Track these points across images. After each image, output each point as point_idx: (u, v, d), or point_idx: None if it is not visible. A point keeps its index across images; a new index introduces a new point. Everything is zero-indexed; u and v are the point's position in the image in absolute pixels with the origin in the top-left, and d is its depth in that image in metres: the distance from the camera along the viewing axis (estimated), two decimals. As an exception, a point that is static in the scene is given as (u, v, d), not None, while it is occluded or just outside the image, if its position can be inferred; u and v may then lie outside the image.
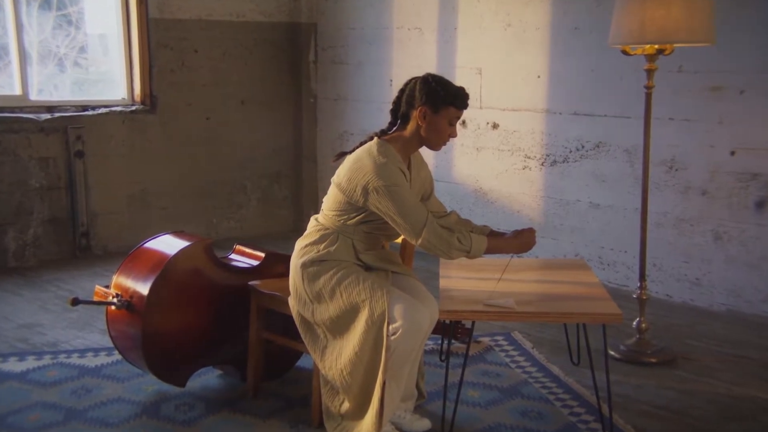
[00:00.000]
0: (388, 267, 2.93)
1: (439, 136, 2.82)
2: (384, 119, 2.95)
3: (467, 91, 2.83)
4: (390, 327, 2.69)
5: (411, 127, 2.83)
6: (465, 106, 2.81)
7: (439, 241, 2.74)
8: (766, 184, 4.21)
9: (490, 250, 2.85)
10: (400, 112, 2.87)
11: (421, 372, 3.12)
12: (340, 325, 2.79)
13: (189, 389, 3.30)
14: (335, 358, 2.79)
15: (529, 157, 5.18)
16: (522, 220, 5.20)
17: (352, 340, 2.75)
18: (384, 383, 2.71)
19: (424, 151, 2.94)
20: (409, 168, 2.88)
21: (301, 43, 6.36)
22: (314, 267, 2.83)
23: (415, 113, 2.80)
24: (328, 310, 2.80)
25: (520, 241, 2.92)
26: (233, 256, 3.48)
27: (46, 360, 3.67)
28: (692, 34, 3.44)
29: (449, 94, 2.77)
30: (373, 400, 2.74)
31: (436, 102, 2.76)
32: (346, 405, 2.82)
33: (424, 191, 3.00)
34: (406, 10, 5.73)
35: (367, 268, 2.89)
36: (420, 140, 2.85)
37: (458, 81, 5.62)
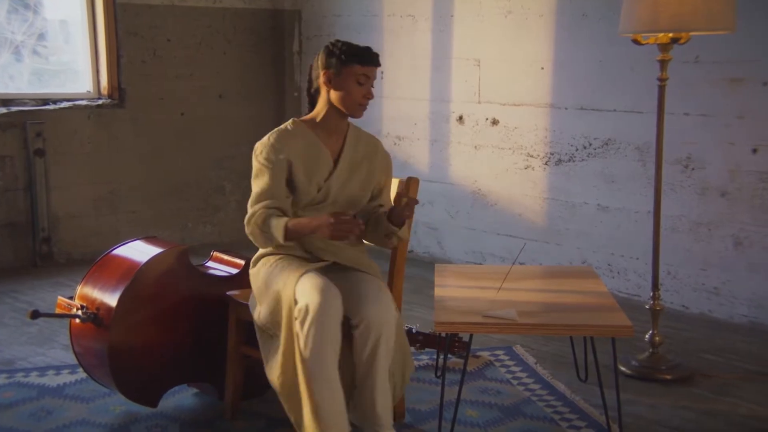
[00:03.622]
0: (340, 260, 2.90)
1: (350, 98, 2.87)
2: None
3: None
4: (295, 309, 2.67)
5: (322, 97, 2.92)
6: (371, 62, 2.86)
7: (261, 238, 2.84)
8: (790, 185, 4.24)
9: (289, 235, 2.79)
10: (312, 90, 2.96)
11: (392, 392, 2.87)
12: (273, 323, 2.79)
13: (161, 410, 3.29)
14: (273, 364, 2.78)
15: (531, 156, 5.19)
16: (523, 223, 5.22)
17: (280, 339, 2.74)
18: (308, 380, 2.63)
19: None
20: (344, 146, 2.95)
21: (284, 31, 6.36)
22: (257, 265, 2.91)
23: (321, 81, 2.88)
24: (264, 309, 2.82)
25: (318, 222, 2.73)
26: (210, 263, 3.47)
27: (2, 379, 3.64)
28: (710, 21, 3.45)
29: (349, 52, 2.84)
30: (303, 400, 2.67)
31: (337, 63, 2.84)
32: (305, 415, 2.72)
33: (377, 184, 3.02)
34: (398, -4, 5.75)
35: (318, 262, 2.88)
36: (335, 109, 2.91)
37: (455, 73, 5.60)
